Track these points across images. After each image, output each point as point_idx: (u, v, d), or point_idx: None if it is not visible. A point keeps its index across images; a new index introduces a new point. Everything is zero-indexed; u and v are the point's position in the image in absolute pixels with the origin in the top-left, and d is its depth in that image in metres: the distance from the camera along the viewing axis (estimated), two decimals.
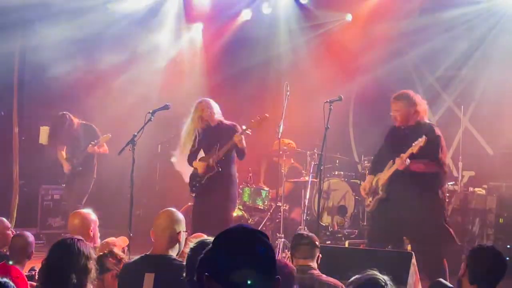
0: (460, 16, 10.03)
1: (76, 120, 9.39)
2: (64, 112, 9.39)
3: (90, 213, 5.38)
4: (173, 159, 8.62)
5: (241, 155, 7.60)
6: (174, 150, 11.53)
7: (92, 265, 3.55)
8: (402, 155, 6.60)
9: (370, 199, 7.05)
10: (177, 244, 4.43)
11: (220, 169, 7.53)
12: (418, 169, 6.61)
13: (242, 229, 2.32)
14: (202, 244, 3.57)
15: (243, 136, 7.43)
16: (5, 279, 3.23)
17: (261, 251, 2.24)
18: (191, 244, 3.69)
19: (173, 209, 4.65)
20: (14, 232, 5.73)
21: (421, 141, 6.48)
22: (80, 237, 3.67)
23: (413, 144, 6.51)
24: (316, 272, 4.78)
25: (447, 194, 8.89)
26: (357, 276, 3.30)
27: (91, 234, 5.27)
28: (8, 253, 5.31)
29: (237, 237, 2.28)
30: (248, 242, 2.25)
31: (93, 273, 3.54)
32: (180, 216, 4.55)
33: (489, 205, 8.96)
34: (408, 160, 6.54)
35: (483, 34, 10.12)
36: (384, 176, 6.84)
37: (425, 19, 10.41)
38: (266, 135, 9.38)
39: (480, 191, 9.20)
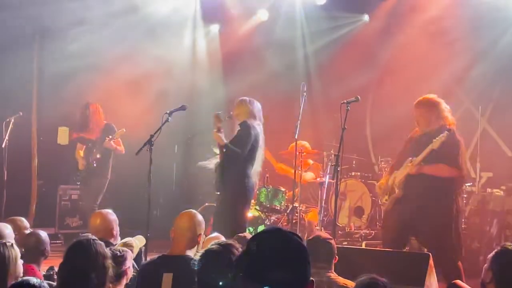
0: (479, 20, 9.98)
1: (102, 116, 9.52)
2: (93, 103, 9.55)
3: (110, 213, 5.42)
4: None
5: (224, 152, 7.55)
6: (191, 150, 11.63)
7: (109, 263, 3.58)
8: (413, 159, 6.62)
9: (386, 197, 7.04)
10: (196, 246, 4.48)
11: (220, 167, 7.55)
12: (431, 172, 6.60)
13: (277, 231, 2.34)
14: (211, 251, 3.61)
15: (219, 134, 7.39)
16: (40, 281, 3.26)
17: (292, 253, 2.26)
18: (197, 255, 3.72)
19: (195, 211, 4.72)
20: None
21: (443, 136, 6.47)
22: (94, 237, 3.69)
23: (434, 140, 6.50)
24: (333, 275, 4.76)
25: (465, 195, 8.88)
26: (359, 279, 3.31)
27: (114, 233, 5.32)
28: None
29: (270, 238, 2.30)
30: (281, 244, 2.27)
31: (111, 272, 3.57)
32: (201, 218, 4.62)
33: (507, 206, 8.90)
34: (417, 167, 6.55)
35: (501, 32, 10.07)
36: (400, 174, 6.83)
37: (442, 17, 10.36)
38: (282, 136, 9.40)
39: (498, 192, 9.14)
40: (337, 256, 4.90)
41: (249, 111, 7.54)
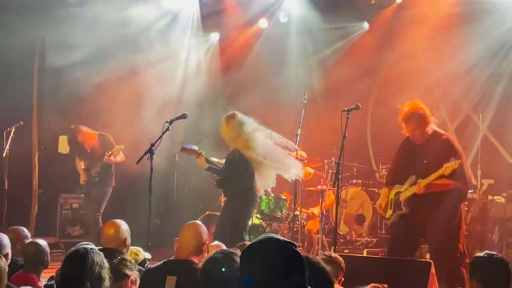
0: (478, 27, 10.00)
1: (90, 131, 9.46)
2: (77, 125, 9.48)
3: (124, 223, 5.40)
4: None
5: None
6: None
7: (105, 273, 3.59)
8: (420, 181, 6.57)
9: (390, 211, 7.00)
10: (201, 254, 4.49)
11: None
12: (439, 190, 6.57)
13: (266, 239, 2.37)
14: (213, 260, 3.61)
15: (198, 159, 7.39)
16: None
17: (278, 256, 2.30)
18: (200, 264, 3.74)
19: (199, 222, 4.79)
20: None
21: (455, 163, 6.39)
22: (93, 246, 3.70)
23: (445, 165, 6.40)
24: (336, 285, 4.74)
25: (466, 203, 8.87)
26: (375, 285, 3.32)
27: (127, 243, 5.30)
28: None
29: (256, 247, 2.34)
30: (267, 251, 2.31)
31: (107, 282, 3.58)
32: (205, 228, 4.68)
33: (508, 213, 8.89)
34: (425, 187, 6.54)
35: (502, 42, 10.08)
36: (406, 192, 6.78)
37: (444, 29, 10.38)
38: None
39: (499, 199, 9.14)
40: (343, 279, 4.89)
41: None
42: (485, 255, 4.10)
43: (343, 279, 4.88)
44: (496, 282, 3.97)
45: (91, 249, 3.65)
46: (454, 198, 6.64)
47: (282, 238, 2.40)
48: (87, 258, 3.55)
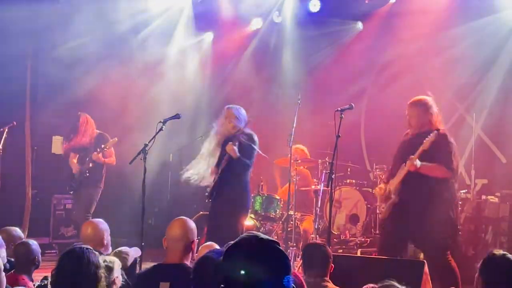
0: (471, 27, 10.02)
1: (92, 122, 9.49)
2: (83, 113, 9.51)
3: (102, 222, 5.41)
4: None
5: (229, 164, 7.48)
6: (186, 158, 11.58)
7: (101, 273, 3.58)
8: (412, 156, 6.57)
9: (384, 205, 7.02)
10: (190, 253, 4.45)
11: (221, 177, 7.44)
12: (428, 172, 6.56)
13: (252, 238, 2.33)
14: (206, 259, 3.60)
15: (234, 147, 7.28)
16: None
17: (269, 260, 2.25)
18: (195, 262, 3.73)
19: (186, 218, 4.63)
20: None
21: (432, 136, 6.45)
22: (88, 246, 3.69)
23: (424, 141, 6.48)
24: (330, 284, 4.74)
25: (460, 202, 8.87)
26: (373, 285, 3.30)
27: (105, 242, 5.30)
28: None
29: (244, 247, 2.30)
30: (256, 251, 2.26)
31: (103, 282, 3.57)
32: (193, 224, 4.54)
33: (502, 213, 8.89)
34: (418, 162, 6.51)
35: (495, 42, 10.09)
36: (396, 180, 6.80)
37: (437, 29, 10.39)
38: (277, 143, 9.40)
39: (493, 199, 9.14)
40: (333, 265, 4.88)
41: (243, 118, 7.54)
42: (499, 255, 3.96)
43: (333, 266, 4.87)
44: (503, 283, 3.87)
45: (87, 248, 3.64)
46: (443, 191, 6.62)
47: (264, 236, 2.34)
48: (83, 258, 3.55)
